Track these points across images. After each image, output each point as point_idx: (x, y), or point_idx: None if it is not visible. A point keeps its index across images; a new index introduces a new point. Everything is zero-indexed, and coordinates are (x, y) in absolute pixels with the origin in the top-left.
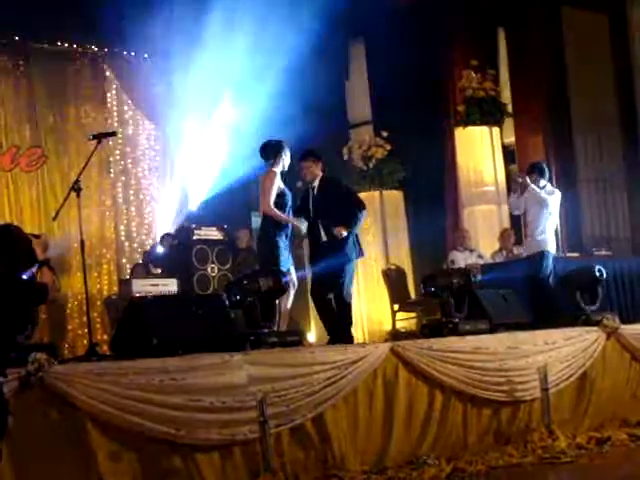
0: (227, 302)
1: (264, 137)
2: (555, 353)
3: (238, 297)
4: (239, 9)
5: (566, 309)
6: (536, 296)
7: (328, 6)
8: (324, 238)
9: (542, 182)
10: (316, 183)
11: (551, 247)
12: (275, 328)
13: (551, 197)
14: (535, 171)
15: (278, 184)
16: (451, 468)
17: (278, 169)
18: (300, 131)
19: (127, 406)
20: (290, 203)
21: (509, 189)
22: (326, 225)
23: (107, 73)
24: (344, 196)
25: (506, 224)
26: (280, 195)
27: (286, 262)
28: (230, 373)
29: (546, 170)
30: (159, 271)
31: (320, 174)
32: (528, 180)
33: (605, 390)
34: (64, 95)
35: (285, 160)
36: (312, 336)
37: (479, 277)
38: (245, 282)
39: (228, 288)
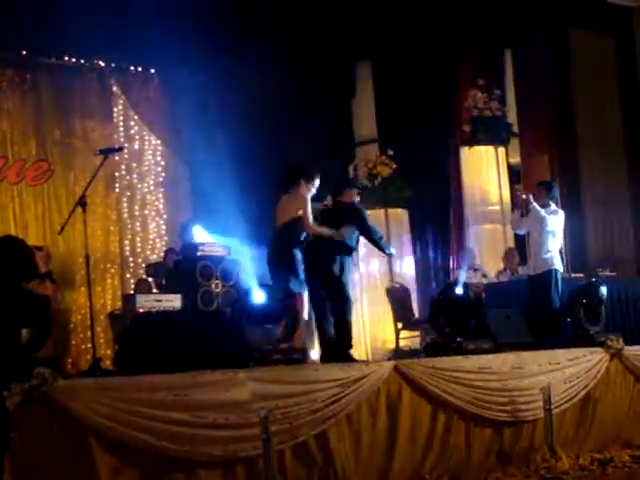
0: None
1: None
2: (559, 373)
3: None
4: (247, 24)
5: (570, 329)
6: (542, 315)
7: (335, 25)
8: None
9: (546, 200)
10: None
11: (558, 266)
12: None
13: (552, 217)
14: (543, 188)
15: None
16: None
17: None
18: (306, 148)
19: (130, 422)
20: None
21: (514, 209)
22: None
23: (114, 88)
24: None
25: (511, 244)
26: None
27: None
28: (234, 390)
29: (554, 189)
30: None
31: None
32: (531, 197)
33: (608, 411)
34: (71, 110)
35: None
36: (316, 353)
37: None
38: None
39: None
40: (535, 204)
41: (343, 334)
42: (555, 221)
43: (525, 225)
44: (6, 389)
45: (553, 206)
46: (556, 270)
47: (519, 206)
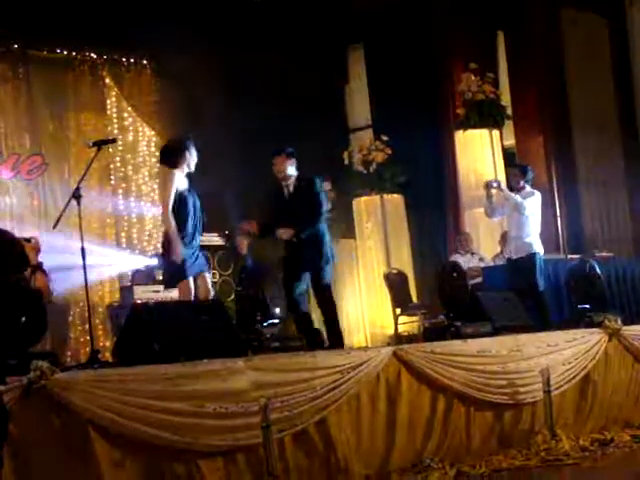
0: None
1: (265, 142)
2: (557, 355)
3: None
4: (238, 14)
5: (559, 311)
6: (526, 298)
7: (327, 10)
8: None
9: (522, 183)
10: (290, 182)
11: (539, 249)
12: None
13: (528, 200)
14: (517, 171)
15: (177, 185)
16: (455, 472)
17: (180, 170)
18: (300, 136)
19: (130, 413)
20: (193, 206)
21: (487, 197)
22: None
23: (107, 80)
24: (311, 199)
25: (507, 227)
26: (181, 198)
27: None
28: (233, 379)
29: (529, 172)
30: (160, 277)
31: (292, 173)
32: (502, 185)
33: (608, 392)
34: (64, 102)
35: (190, 160)
36: None
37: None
38: None
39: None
40: (507, 190)
41: (336, 337)
42: (532, 204)
43: (499, 211)
44: (2, 383)
45: (528, 188)
46: (537, 253)
47: (489, 195)
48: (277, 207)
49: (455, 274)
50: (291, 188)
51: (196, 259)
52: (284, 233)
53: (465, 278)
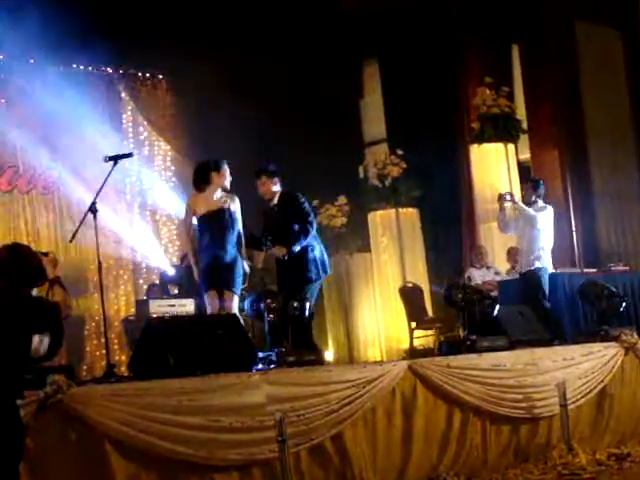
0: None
1: (280, 156)
2: (574, 369)
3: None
4: (253, 28)
5: (574, 325)
6: (537, 312)
7: (341, 24)
8: (282, 257)
9: (534, 197)
10: (275, 200)
11: (547, 263)
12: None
13: (540, 214)
14: (529, 185)
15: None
16: None
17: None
18: (315, 150)
19: (145, 427)
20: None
21: (500, 210)
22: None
23: (122, 95)
24: (298, 212)
25: (518, 241)
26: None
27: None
28: (248, 393)
29: (541, 186)
30: (176, 291)
31: (277, 190)
32: (516, 198)
33: (624, 406)
34: (80, 117)
35: (220, 179)
36: (330, 354)
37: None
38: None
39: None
40: (520, 203)
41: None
42: (544, 218)
43: (513, 225)
44: (20, 397)
45: (541, 203)
46: (543, 268)
47: (503, 207)
48: (266, 225)
49: (464, 293)
50: (276, 205)
51: None
52: (279, 250)
53: (481, 292)
